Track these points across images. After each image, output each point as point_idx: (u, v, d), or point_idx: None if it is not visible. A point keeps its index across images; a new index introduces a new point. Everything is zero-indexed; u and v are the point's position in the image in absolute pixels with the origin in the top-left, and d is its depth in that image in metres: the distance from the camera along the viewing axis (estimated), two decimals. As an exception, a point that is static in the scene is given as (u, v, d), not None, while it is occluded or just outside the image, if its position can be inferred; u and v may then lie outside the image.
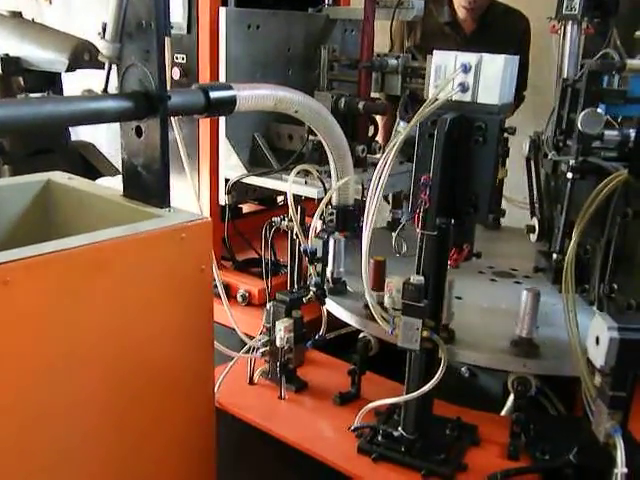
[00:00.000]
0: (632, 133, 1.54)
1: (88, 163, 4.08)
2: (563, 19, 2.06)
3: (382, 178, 1.46)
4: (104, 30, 1.35)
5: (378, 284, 1.71)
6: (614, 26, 2.09)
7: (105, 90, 1.41)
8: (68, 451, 1.29)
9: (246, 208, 2.79)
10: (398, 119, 3.00)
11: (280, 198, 2.89)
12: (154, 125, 1.37)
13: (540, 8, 3.20)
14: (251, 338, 1.87)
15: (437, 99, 1.42)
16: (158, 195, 1.42)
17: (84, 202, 1.53)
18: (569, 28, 2.06)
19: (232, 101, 1.50)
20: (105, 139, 4.99)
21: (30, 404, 1.20)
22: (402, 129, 3.16)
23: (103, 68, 3.81)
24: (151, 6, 1.31)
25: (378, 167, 1.46)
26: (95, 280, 1.24)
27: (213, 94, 1.46)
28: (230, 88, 1.50)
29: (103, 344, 1.29)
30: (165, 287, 1.35)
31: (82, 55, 3.65)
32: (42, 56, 3.66)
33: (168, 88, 1.40)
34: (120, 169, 3.96)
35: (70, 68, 3.62)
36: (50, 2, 5.67)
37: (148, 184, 1.43)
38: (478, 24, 2.99)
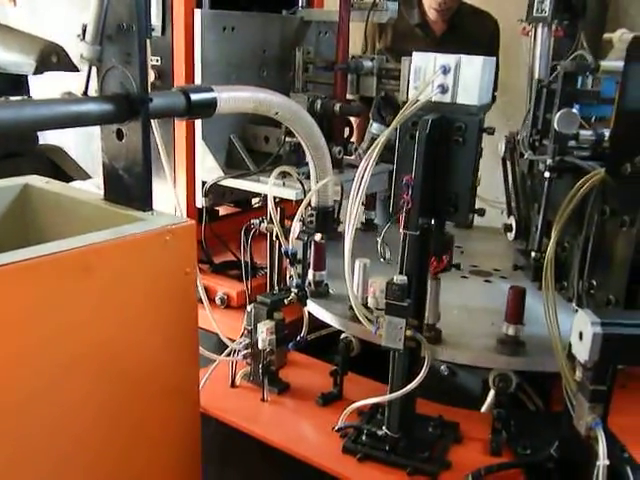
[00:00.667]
0: (606, 133, 1.59)
1: (57, 167, 4.03)
2: (534, 21, 2.10)
3: (364, 180, 1.47)
4: (84, 32, 1.34)
5: (318, 265, 1.89)
6: (582, 29, 2.14)
7: (85, 93, 1.40)
8: (59, 458, 1.27)
9: (222, 210, 2.78)
10: (371, 120, 3.03)
11: (255, 200, 2.88)
12: (135, 128, 1.36)
13: (509, 9, 3.27)
14: (231, 341, 1.87)
15: (418, 100, 1.43)
16: (140, 198, 1.41)
17: (64, 206, 1.51)
18: (539, 30, 2.11)
19: (213, 103, 1.49)
20: (73, 142, 4.93)
21: (18, 411, 1.19)
22: (375, 130, 3.19)
23: (71, 70, 3.76)
24: (132, 8, 1.30)
25: (359, 169, 1.47)
26: (82, 284, 1.22)
27: (194, 96, 1.45)
28: (211, 90, 1.50)
29: (91, 349, 1.28)
30: (151, 290, 1.34)
31: (50, 57, 3.61)
32: (9, 58, 3.60)
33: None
34: (89, 173, 3.90)
35: (38, 70, 3.57)
36: (15, 3, 5.58)
37: (130, 187, 1.42)
38: (448, 25, 3.03)
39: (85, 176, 3.89)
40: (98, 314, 1.27)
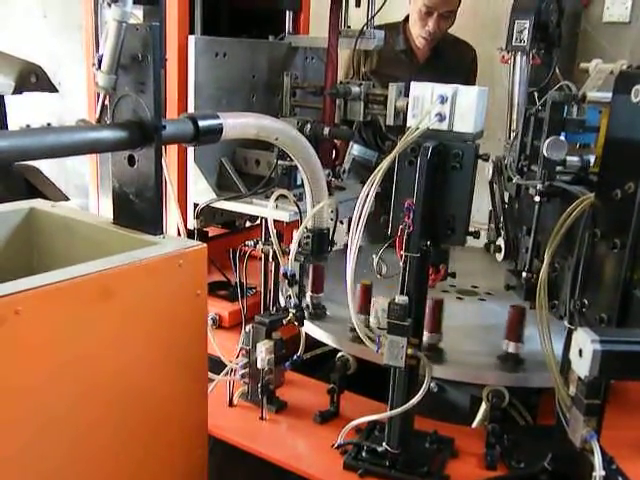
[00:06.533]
0: (591, 159, 1.67)
1: (33, 188, 3.98)
2: (513, 50, 2.21)
3: (366, 206, 1.52)
4: (100, 62, 1.37)
5: (317, 288, 1.85)
6: (557, 57, 2.25)
7: (99, 120, 1.42)
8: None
9: (210, 232, 2.81)
10: (352, 142, 3.10)
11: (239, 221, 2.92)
12: (148, 154, 1.40)
13: (484, 37, 3.40)
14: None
15: (418, 128, 1.50)
16: (151, 222, 1.44)
17: (73, 230, 1.52)
18: (518, 58, 2.21)
19: (219, 130, 1.54)
20: (46, 163, 4.87)
21: (35, 437, 1.19)
22: (356, 151, 3.27)
23: (50, 91, 3.75)
24: (147, 40, 1.34)
25: (361, 195, 1.53)
26: (103, 309, 1.24)
27: (202, 123, 1.50)
28: (217, 117, 1.54)
29: (109, 375, 1.29)
30: (165, 313, 1.36)
31: (28, 77, 3.60)
32: (-14, 79, 3.57)
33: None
34: (67, 195, 3.85)
35: (16, 91, 3.56)
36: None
37: (140, 212, 1.45)
38: (431, 53, 3.14)
39: (63, 197, 3.85)
40: (117, 339, 1.29)
